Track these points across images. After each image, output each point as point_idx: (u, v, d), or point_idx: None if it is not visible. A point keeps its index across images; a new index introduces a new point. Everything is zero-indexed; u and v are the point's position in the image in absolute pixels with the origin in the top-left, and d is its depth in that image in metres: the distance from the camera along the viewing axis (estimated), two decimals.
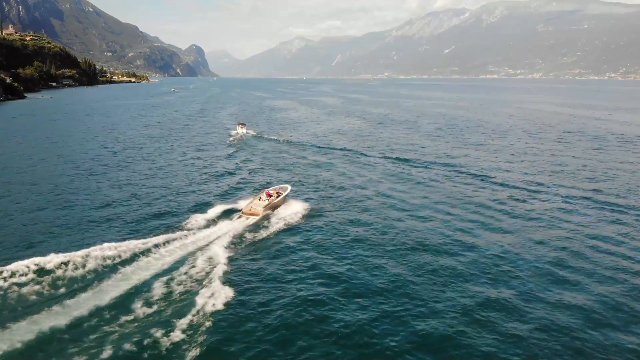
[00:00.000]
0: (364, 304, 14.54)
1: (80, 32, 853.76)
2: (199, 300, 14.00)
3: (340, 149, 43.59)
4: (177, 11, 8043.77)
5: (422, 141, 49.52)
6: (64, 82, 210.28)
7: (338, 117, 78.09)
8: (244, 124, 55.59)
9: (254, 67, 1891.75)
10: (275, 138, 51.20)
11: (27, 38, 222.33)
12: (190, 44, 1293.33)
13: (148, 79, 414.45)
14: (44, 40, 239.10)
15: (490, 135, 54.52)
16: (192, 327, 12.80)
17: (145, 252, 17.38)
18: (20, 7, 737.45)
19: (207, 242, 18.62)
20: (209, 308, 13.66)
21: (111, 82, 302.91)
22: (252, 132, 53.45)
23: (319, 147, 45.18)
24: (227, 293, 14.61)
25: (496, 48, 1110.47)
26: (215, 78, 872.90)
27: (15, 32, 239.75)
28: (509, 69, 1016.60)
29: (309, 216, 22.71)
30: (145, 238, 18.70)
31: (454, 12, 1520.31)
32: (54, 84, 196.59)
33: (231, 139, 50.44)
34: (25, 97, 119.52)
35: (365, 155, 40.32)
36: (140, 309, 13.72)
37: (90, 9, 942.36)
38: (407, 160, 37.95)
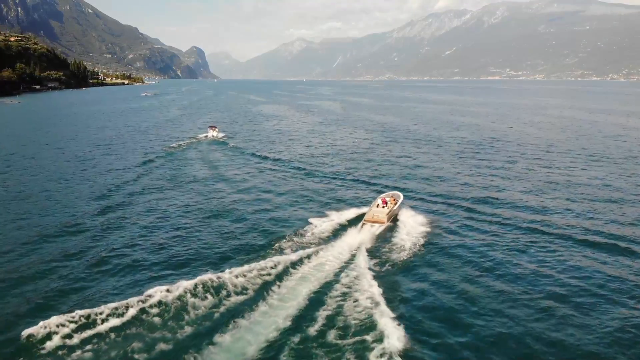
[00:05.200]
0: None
1: (79, 34, 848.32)
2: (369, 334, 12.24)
3: (353, 178, 33.12)
4: (178, 12, 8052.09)
5: (463, 170, 35.28)
6: (49, 85, 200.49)
7: (336, 127, 66.83)
8: (216, 127, 54.88)
9: (255, 68, 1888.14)
10: (254, 151, 42.59)
11: (12, 39, 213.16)
12: (191, 46, 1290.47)
13: (143, 81, 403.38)
14: (30, 40, 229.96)
15: (550, 160, 37.97)
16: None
17: (282, 273, 15.77)
18: (19, 8, 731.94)
19: (349, 256, 17.54)
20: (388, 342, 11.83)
21: (102, 84, 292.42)
22: (221, 135, 53.26)
23: (312, 167, 35.25)
24: (399, 309, 13.63)
25: (497, 49, 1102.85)
26: (215, 80, 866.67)
27: (0, 32, 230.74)
28: (510, 70, 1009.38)
29: (431, 224, 21.33)
30: (271, 257, 16.91)
31: (455, 14, 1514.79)
32: (37, 86, 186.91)
33: (201, 136, 52.02)
34: None
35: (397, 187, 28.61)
36: (300, 339, 12.18)
37: (90, 11, 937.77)
38: (445, 196, 26.56)
